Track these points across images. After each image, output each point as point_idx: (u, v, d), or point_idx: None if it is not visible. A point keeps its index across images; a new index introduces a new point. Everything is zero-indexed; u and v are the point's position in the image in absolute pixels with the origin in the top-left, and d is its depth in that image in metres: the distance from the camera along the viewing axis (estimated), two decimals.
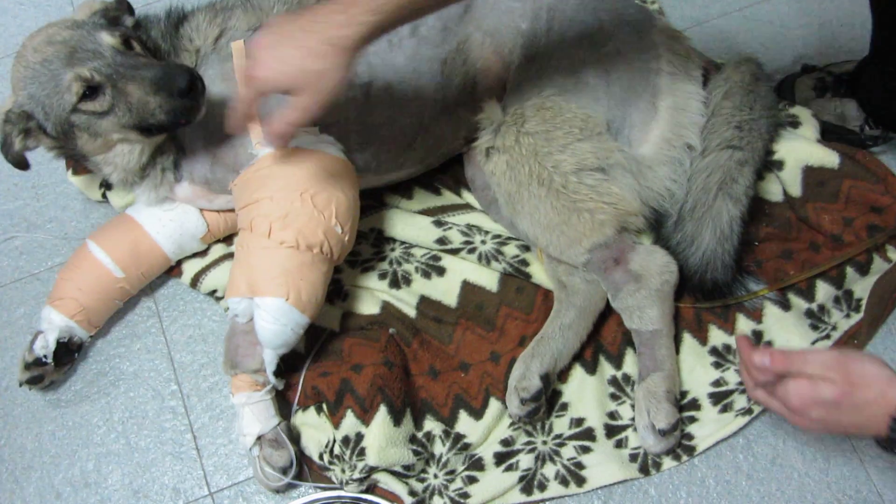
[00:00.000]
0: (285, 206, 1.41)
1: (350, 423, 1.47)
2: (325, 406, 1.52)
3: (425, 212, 1.69)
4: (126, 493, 1.54)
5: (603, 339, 1.58)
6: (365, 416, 1.47)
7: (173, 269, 1.69)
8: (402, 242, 1.68)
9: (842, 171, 1.63)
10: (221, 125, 1.46)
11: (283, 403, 1.54)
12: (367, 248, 1.67)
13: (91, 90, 1.36)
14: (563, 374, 1.54)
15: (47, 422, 1.61)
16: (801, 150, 1.65)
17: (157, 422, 1.59)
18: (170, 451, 1.56)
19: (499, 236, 1.65)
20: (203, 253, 1.68)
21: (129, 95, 1.36)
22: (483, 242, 1.64)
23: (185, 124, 1.40)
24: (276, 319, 1.40)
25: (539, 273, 1.61)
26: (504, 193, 1.52)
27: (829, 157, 1.64)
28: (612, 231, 1.47)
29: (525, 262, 1.62)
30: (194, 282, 1.66)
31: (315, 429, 1.52)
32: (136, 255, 1.59)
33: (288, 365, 1.55)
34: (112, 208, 1.74)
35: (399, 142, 1.56)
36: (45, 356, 1.54)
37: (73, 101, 1.36)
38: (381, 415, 1.46)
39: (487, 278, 1.63)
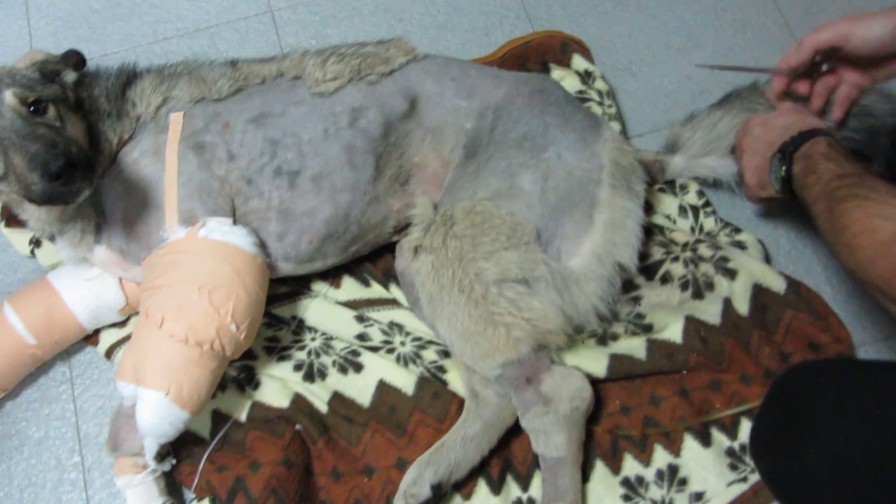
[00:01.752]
0: (181, 298, 1.38)
1: None
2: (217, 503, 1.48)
3: (351, 304, 1.65)
4: None
5: (513, 457, 1.52)
6: None
7: (91, 337, 1.65)
8: (324, 333, 1.63)
9: (786, 299, 1.58)
10: (142, 199, 1.45)
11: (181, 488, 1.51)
12: (287, 335, 1.63)
13: None
14: (468, 489, 1.49)
15: None
16: (754, 266, 1.61)
17: (56, 493, 1.56)
18: None
19: (419, 339, 1.60)
20: (122, 324, 1.65)
21: (14, 165, 1.31)
22: (402, 344, 1.59)
23: (66, 205, 1.36)
24: (155, 412, 1.36)
25: (456, 381, 1.56)
26: (426, 294, 1.48)
27: (776, 281, 1.59)
28: (528, 349, 1.41)
29: (443, 369, 1.57)
30: (109, 353, 1.63)
31: None
32: (51, 323, 1.56)
33: (189, 450, 1.51)
34: (39, 266, 1.71)
35: (320, 232, 1.52)
36: None
37: None
38: None
39: (404, 380, 1.58)
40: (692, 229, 1.69)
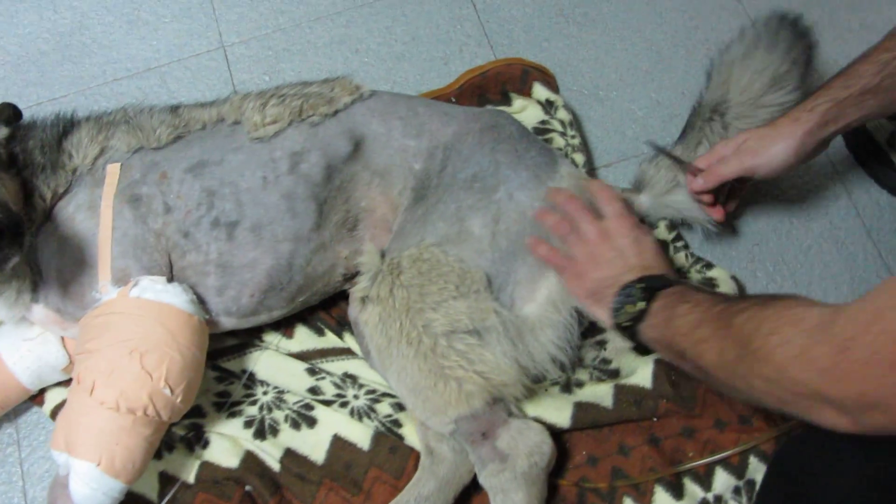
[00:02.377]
0: (112, 363, 1.31)
1: None
2: None
3: (303, 355, 1.57)
4: None
5: None
6: None
7: (36, 397, 1.59)
8: (276, 386, 1.56)
9: None
10: (77, 257, 1.39)
11: None
12: (238, 389, 1.55)
13: None
14: None
15: None
16: None
17: None
18: None
19: (373, 391, 1.52)
20: (68, 382, 1.58)
21: None
22: (356, 397, 1.52)
23: None
24: (87, 484, 1.30)
25: (412, 435, 1.48)
26: (375, 347, 1.40)
27: None
28: (481, 403, 1.33)
29: (398, 423, 1.49)
30: (54, 413, 1.56)
31: None
32: None
33: None
34: None
35: (262, 284, 1.44)
36: None
37: None
38: None
39: (360, 434, 1.49)
40: None
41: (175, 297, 1.37)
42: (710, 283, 1.56)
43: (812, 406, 0.93)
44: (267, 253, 1.43)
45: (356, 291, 1.43)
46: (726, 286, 1.55)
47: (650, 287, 1.26)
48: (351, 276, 1.50)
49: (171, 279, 1.42)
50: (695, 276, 1.57)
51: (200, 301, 1.43)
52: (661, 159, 1.55)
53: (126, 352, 1.32)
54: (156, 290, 1.37)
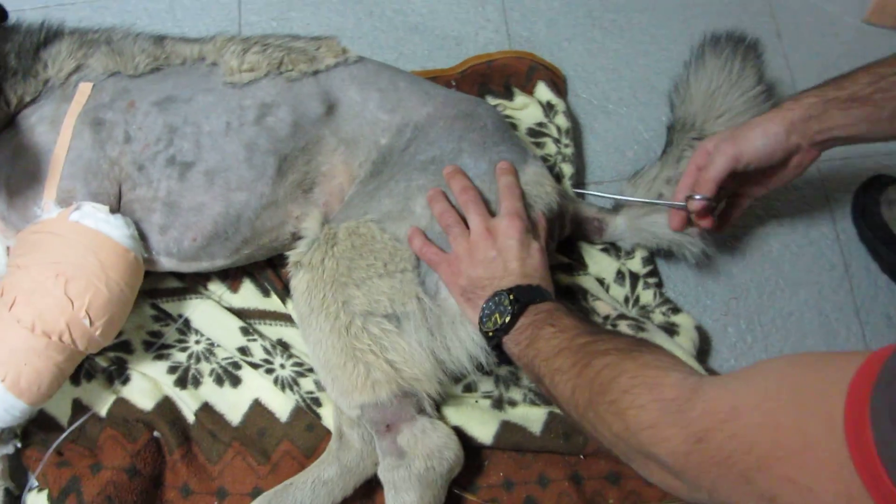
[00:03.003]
0: (36, 282, 1.29)
1: None
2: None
3: (243, 312, 1.53)
4: None
5: None
6: None
7: None
8: (209, 338, 1.52)
9: None
10: (28, 169, 1.36)
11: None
12: (172, 333, 1.52)
13: None
14: None
15: None
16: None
17: None
18: None
19: (301, 364, 1.47)
20: None
21: None
22: (282, 367, 1.47)
23: None
24: None
25: (330, 417, 1.43)
26: (298, 314, 1.37)
27: None
28: (387, 394, 1.28)
29: (318, 402, 1.44)
30: None
31: None
32: None
33: (42, 435, 1.43)
34: None
35: (206, 230, 1.40)
36: None
37: None
38: None
39: (281, 404, 1.46)
40: (626, 299, 1.51)
41: (115, 228, 1.34)
42: (672, 329, 1.47)
43: (658, 473, 0.89)
44: (217, 199, 1.39)
45: (292, 255, 1.38)
46: (687, 335, 1.46)
47: (520, 300, 1.19)
48: (299, 238, 1.45)
49: (116, 210, 1.38)
50: (658, 317, 1.49)
51: (142, 237, 1.40)
52: (643, 177, 1.47)
53: (52, 274, 1.29)
54: (96, 218, 1.34)
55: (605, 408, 0.93)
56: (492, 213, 1.32)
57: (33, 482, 1.42)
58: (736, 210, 1.46)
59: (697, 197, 1.34)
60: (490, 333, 1.21)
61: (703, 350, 1.50)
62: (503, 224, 1.28)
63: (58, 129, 1.38)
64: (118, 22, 1.77)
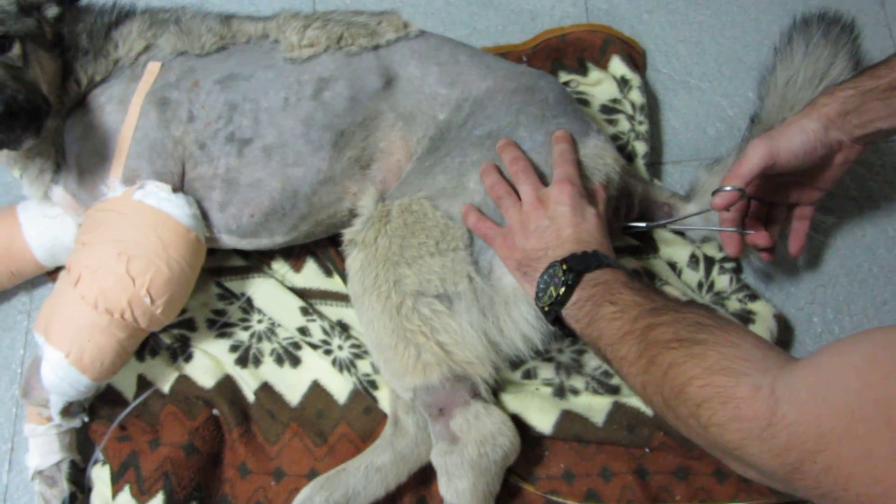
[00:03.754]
0: (100, 260, 1.31)
1: (126, 499, 1.36)
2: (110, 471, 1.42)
3: (305, 292, 1.52)
4: None
5: (431, 498, 1.36)
6: (142, 497, 1.35)
7: (53, 273, 1.62)
8: (270, 317, 1.51)
9: None
10: (97, 148, 1.39)
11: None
12: (235, 311, 1.52)
13: None
14: None
15: None
16: None
17: None
18: None
19: (359, 346, 1.45)
20: None
21: None
22: (340, 348, 1.45)
23: (7, 149, 1.31)
24: (55, 372, 1.32)
25: (386, 400, 1.40)
26: (353, 293, 1.34)
27: None
28: (438, 377, 1.24)
29: (374, 385, 1.41)
30: None
31: (105, 486, 1.41)
32: (8, 254, 1.53)
33: (108, 409, 1.45)
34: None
35: (263, 206, 1.40)
36: None
37: None
38: (157, 502, 1.34)
39: (339, 386, 1.44)
40: (699, 285, 1.42)
41: (176, 208, 1.35)
42: (748, 317, 1.38)
43: (752, 472, 0.85)
44: (274, 175, 1.38)
45: (347, 233, 1.36)
46: (764, 324, 1.37)
47: (574, 269, 1.12)
48: (357, 215, 1.42)
49: (179, 189, 1.40)
50: (734, 304, 1.39)
51: (203, 215, 1.41)
52: (721, 165, 1.37)
53: (115, 252, 1.31)
54: (159, 198, 1.35)
55: (685, 419, 0.89)
56: (547, 185, 1.26)
57: (98, 455, 1.44)
58: (802, 224, 1.36)
59: (727, 188, 1.23)
60: (546, 308, 1.15)
61: (786, 341, 1.40)
62: (554, 191, 1.23)
63: (126, 109, 1.40)
64: (195, 2, 1.78)
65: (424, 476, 1.34)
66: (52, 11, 1.41)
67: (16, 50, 1.32)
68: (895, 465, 0.64)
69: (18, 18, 1.34)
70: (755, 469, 0.82)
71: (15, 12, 1.34)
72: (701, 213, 1.38)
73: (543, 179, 1.27)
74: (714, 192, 1.25)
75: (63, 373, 1.32)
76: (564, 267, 1.13)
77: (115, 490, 1.38)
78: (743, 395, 0.81)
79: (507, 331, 1.27)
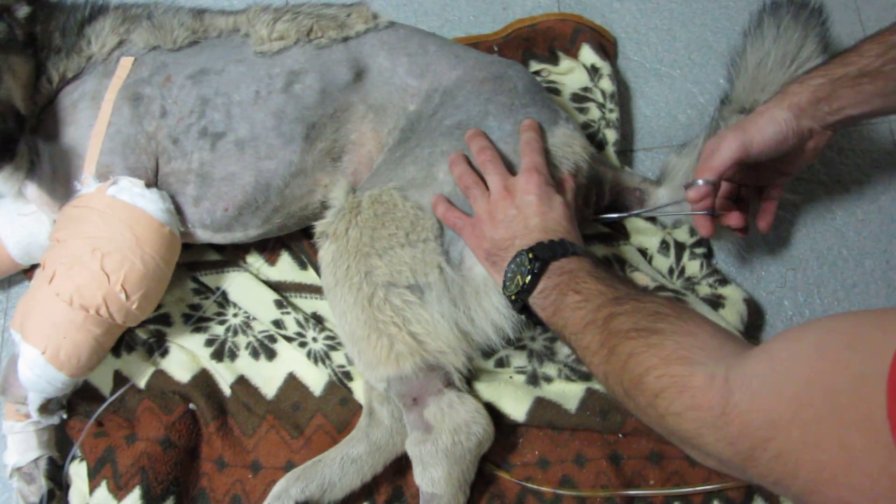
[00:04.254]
0: (74, 257, 1.31)
1: (102, 495, 1.36)
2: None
3: (280, 285, 1.53)
4: None
5: (407, 488, 1.37)
6: (119, 492, 1.35)
7: (29, 272, 1.62)
8: (245, 311, 1.52)
9: None
10: (70, 145, 1.39)
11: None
12: (210, 305, 1.52)
13: None
14: None
15: None
16: None
17: None
18: None
19: (333, 337, 1.45)
20: None
21: None
22: (315, 340, 1.45)
23: None
24: (31, 369, 1.32)
25: (360, 391, 1.41)
26: (325, 286, 1.35)
27: None
28: (411, 367, 1.25)
29: (349, 376, 1.42)
30: None
31: (82, 482, 1.41)
32: None
33: (86, 406, 1.45)
34: None
35: (237, 200, 1.40)
36: None
37: None
38: (134, 498, 1.34)
39: (315, 378, 1.45)
40: (670, 270, 1.43)
41: (150, 203, 1.35)
42: (717, 301, 1.38)
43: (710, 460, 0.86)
44: (247, 169, 1.39)
45: (319, 225, 1.36)
46: (734, 308, 1.38)
47: (540, 257, 1.12)
48: (328, 207, 1.43)
49: (154, 184, 1.40)
50: (704, 289, 1.40)
51: (178, 211, 1.41)
52: (692, 148, 1.38)
53: (89, 249, 1.31)
54: (132, 193, 1.35)
55: (644, 408, 0.90)
56: (515, 175, 1.27)
57: (76, 452, 1.44)
58: (771, 203, 1.37)
59: (700, 182, 1.24)
60: (513, 297, 1.16)
61: (756, 324, 1.41)
62: (521, 180, 1.23)
63: (98, 105, 1.40)
64: None
65: (400, 466, 1.35)
66: (22, 12, 1.40)
67: None
68: (841, 452, 0.65)
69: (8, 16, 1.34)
70: (712, 457, 0.83)
71: None
72: (673, 204, 1.39)
73: (512, 169, 1.28)
74: (687, 186, 1.26)
75: (40, 370, 1.32)
76: (531, 255, 1.13)
77: (93, 486, 1.38)
78: (698, 385, 0.81)
79: (478, 320, 1.28)
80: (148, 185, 1.37)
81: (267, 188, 1.40)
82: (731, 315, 1.37)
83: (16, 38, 1.38)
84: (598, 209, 1.42)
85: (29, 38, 1.41)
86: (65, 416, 1.45)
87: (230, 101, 1.39)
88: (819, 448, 0.67)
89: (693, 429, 0.82)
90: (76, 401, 1.47)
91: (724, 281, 1.41)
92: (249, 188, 1.39)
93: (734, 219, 1.32)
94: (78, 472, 1.42)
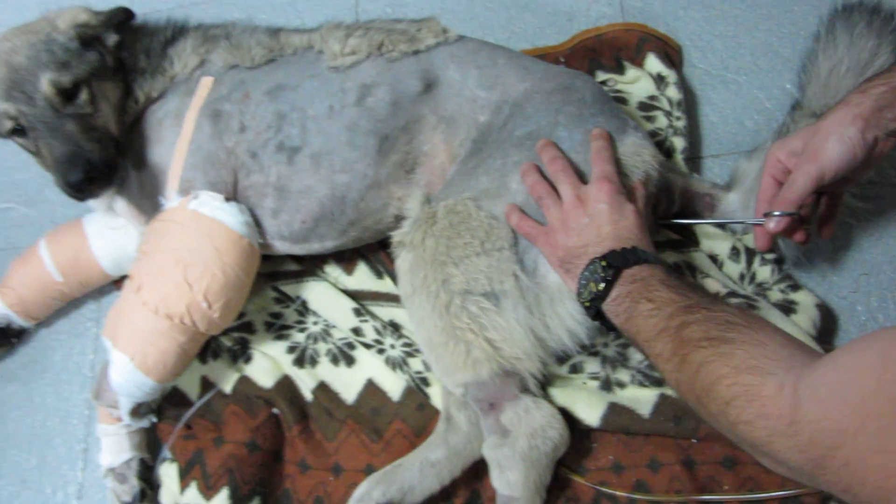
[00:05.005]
0: (160, 268, 1.39)
1: (192, 494, 1.44)
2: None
3: (358, 294, 1.58)
4: (15, 480, 1.63)
5: (483, 491, 1.40)
6: (208, 492, 1.43)
7: (119, 282, 1.70)
8: (325, 319, 1.57)
9: None
10: (156, 161, 1.47)
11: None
12: (291, 314, 1.58)
13: (21, 129, 1.39)
14: None
15: None
16: None
17: (63, 423, 1.66)
18: (61, 455, 1.63)
19: (410, 344, 1.50)
20: None
21: (42, 155, 1.38)
22: (392, 347, 1.50)
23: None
24: (121, 374, 1.40)
25: (438, 397, 1.45)
26: (403, 294, 1.39)
27: None
28: (488, 373, 1.28)
29: (426, 382, 1.47)
30: None
31: (173, 483, 1.49)
32: (77, 264, 1.62)
33: (175, 409, 1.54)
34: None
35: (314, 212, 1.45)
36: None
37: (6, 132, 1.40)
38: (222, 498, 1.42)
39: (393, 384, 1.50)
40: (741, 276, 1.44)
41: (229, 216, 1.41)
42: (789, 307, 1.39)
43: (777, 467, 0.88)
44: (323, 182, 1.44)
45: (396, 235, 1.41)
46: (806, 313, 1.38)
47: (613, 265, 1.16)
48: (402, 219, 1.47)
49: (233, 197, 1.46)
50: (776, 295, 1.41)
51: (257, 223, 1.47)
52: (762, 151, 1.39)
53: (173, 260, 1.38)
54: (212, 207, 1.42)
55: (715, 416, 0.93)
56: (586, 183, 1.30)
57: (166, 454, 1.52)
58: (834, 210, 1.36)
59: (777, 214, 1.25)
60: (587, 304, 1.19)
61: (830, 329, 1.40)
62: (593, 189, 1.26)
63: (181, 122, 1.47)
64: (244, 16, 1.85)
65: (477, 470, 1.37)
66: (112, 40, 1.48)
67: (83, 96, 1.40)
68: None
69: (82, 56, 1.42)
70: (783, 464, 0.85)
71: (77, 48, 1.42)
72: (735, 222, 1.44)
73: (583, 178, 1.30)
74: (766, 214, 1.27)
75: (129, 375, 1.39)
76: (604, 263, 1.16)
77: (183, 486, 1.46)
78: (768, 394, 0.84)
79: (553, 326, 1.30)
80: (227, 199, 1.44)
81: (342, 201, 1.44)
82: (804, 321, 1.37)
83: (107, 65, 1.46)
84: (668, 215, 1.44)
85: (118, 63, 1.49)
86: (155, 420, 1.53)
87: (305, 116, 1.44)
88: (886, 456, 0.69)
89: (764, 436, 0.84)
90: (165, 405, 1.55)
91: (795, 286, 1.41)
92: (326, 200, 1.44)
93: (798, 235, 1.32)
94: (168, 472, 1.50)
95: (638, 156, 1.34)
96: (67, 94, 1.38)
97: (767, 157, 1.29)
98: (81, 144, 1.35)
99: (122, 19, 1.49)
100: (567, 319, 1.30)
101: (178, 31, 1.57)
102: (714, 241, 1.47)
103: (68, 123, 1.36)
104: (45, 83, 1.36)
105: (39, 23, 1.45)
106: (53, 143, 1.34)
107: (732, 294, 1.39)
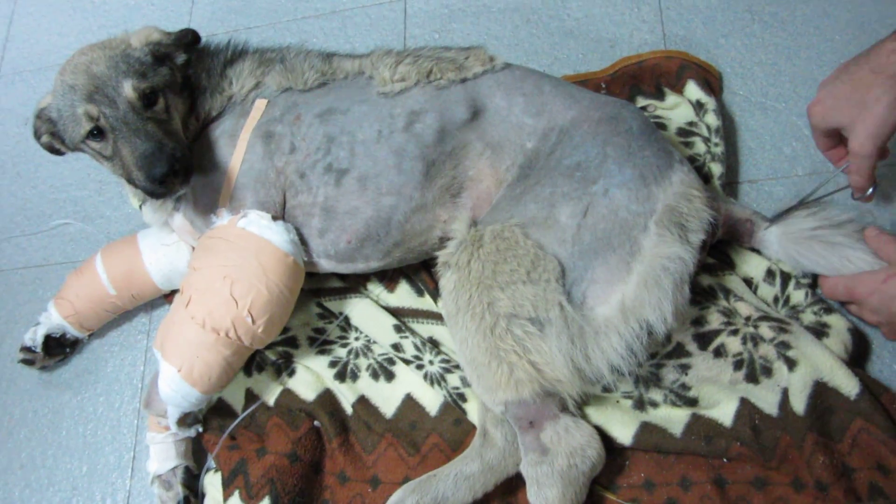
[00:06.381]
0: (208, 283, 1.45)
1: (235, 503, 1.48)
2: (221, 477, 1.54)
3: (398, 310, 1.62)
4: (66, 486, 1.69)
5: None
6: (250, 501, 1.47)
7: (169, 296, 1.77)
8: (366, 335, 1.62)
9: (857, 405, 1.32)
10: (210, 179, 1.53)
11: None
12: (334, 329, 1.63)
13: (99, 131, 1.46)
14: None
15: (35, 399, 1.79)
16: (821, 360, 1.35)
17: (113, 431, 1.73)
18: (111, 463, 1.68)
19: (448, 361, 1.54)
20: None
21: (122, 155, 1.45)
22: (431, 363, 1.54)
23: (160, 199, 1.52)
24: (168, 384, 1.46)
25: (475, 412, 1.49)
26: (446, 312, 1.42)
27: (847, 383, 1.33)
28: (530, 393, 1.31)
29: (463, 398, 1.50)
30: None
31: (217, 492, 1.54)
32: (130, 278, 1.69)
33: (220, 420, 1.59)
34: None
35: (360, 233, 1.50)
36: (33, 346, 1.72)
37: (83, 135, 1.47)
38: None
39: (431, 399, 1.54)
40: (776, 299, 1.46)
41: (276, 234, 1.47)
42: (822, 330, 1.40)
43: None
44: (369, 203, 1.48)
45: (442, 255, 1.44)
46: (838, 338, 1.39)
47: None
48: (447, 240, 1.51)
49: (281, 217, 1.51)
50: (808, 317, 1.42)
51: (303, 242, 1.52)
52: (821, 207, 1.44)
53: (220, 276, 1.44)
54: (260, 225, 1.47)
55: None
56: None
57: (210, 463, 1.58)
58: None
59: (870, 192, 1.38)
60: None
61: (862, 353, 1.41)
62: None
63: (235, 143, 1.54)
64: (298, 40, 1.92)
65: (510, 486, 1.41)
66: (181, 58, 1.56)
67: (160, 104, 1.48)
68: None
69: (156, 70, 1.50)
70: None
71: (151, 62, 1.50)
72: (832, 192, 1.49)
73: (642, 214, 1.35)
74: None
75: (176, 386, 1.45)
76: None
77: (226, 495, 1.50)
78: None
79: (594, 359, 1.32)
80: (275, 218, 1.49)
81: (388, 222, 1.49)
82: (835, 344, 1.38)
83: (177, 80, 1.54)
84: (713, 244, 1.47)
85: (185, 80, 1.57)
86: (200, 430, 1.58)
87: (354, 140, 1.49)
88: None
89: None
90: (211, 416, 1.60)
91: (829, 309, 1.42)
92: (371, 222, 1.49)
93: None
94: (213, 482, 1.55)
95: (689, 201, 1.36)
96: (147, 100, 1.46)
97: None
98: (164, 142, 1.43)
99: (190, 40, 1.57)
100: (611, 354, 1.32)
101: (237, 54, 1.64)
102: (749, 265, 1.49)
103: (149, 124, 1.44)
104: (128, 88, 1.44)
105: (114, 40, 1.55)
106: (137, 142, 1.42)
107: (764, 317, 1.41)
